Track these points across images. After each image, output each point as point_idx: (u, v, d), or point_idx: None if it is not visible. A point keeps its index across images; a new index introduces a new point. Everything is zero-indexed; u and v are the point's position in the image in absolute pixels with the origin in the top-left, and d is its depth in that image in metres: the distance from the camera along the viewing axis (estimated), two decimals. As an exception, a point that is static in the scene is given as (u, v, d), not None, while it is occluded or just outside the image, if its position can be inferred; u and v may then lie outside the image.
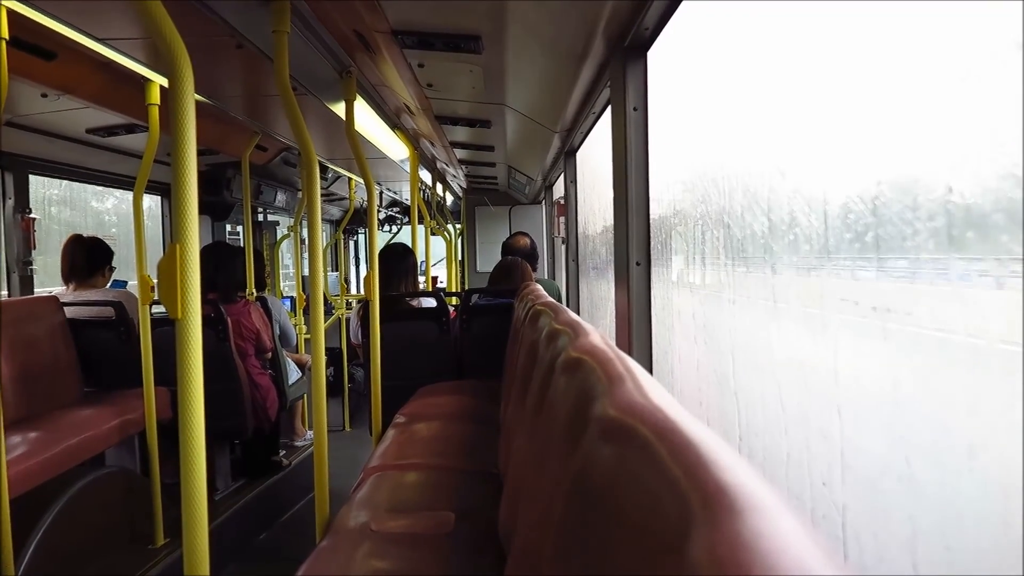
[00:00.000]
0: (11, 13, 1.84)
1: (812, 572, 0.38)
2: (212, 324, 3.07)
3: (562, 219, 4.26)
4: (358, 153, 2.47)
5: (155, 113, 2.55)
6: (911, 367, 0.82)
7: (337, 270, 6.74)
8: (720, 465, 0.50)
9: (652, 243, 1.80)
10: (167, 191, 4.37)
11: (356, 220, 7.89)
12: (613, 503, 0.63)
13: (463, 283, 6.78)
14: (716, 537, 0.42)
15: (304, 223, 5.06)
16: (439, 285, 8.35)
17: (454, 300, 4.05)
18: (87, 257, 3.32)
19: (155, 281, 1.88)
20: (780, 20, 1.15)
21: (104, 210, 4.84)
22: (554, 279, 5.50)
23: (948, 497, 0.75)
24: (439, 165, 5.43)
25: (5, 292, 3.27)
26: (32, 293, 3.32)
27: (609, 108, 2.03)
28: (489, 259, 6.11)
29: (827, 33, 1.00)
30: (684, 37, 1.63)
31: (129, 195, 3.46)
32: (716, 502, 0.45)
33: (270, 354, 3.56)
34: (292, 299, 5.22)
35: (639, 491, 0.58)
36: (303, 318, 4.54)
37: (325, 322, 2.49)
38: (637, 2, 1.56)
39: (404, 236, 9.28)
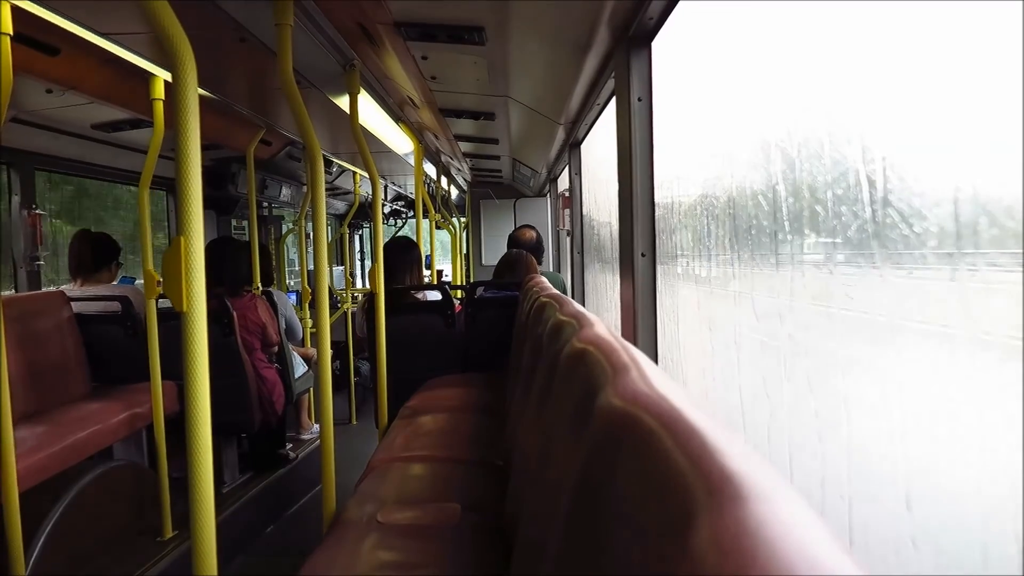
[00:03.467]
0: (15, 9, 1.84)
1: (816, 559, 0.37)
2: (218, 318, 3.08)
3: (567, 211, 4.25)
4: (362, 147, 2.47)
5: (159, 108, 2.56)
6: None
7: (343, 264, 6.76)
8: (724, 453, 0.49)
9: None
10: (172, 186, 4.38)
11: (361, 214, 7.90)
12: (618, 493, 0.63)
13: (468, 276, 6.78)
14: (720, 525, 0.42)
15: (309, 217, 5.07)
16: (444, 278, 8.36)
17: (459, 293, 4.05)
18: (93, 253, 3.33)
19: (160, 276, 1.89)
20: (783, 7, 1.14)
21: None
22: (559, 272, 5.50)
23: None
24: (443, 158, 5.42)
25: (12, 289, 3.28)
26: (39, 289, 3.33)
27: (613, 99, 2.03)
28: (494, 252, 6.11)
29: (831, 18, 0.99)
30: (688, 27, 1.62)
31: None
32: (720, 490, 0.45)
33: (276, 348, 3.57)
34: (298, 293, 5.24)
35: (644, 480, 0.58)
36: (309, 312, 4.55)
37: (331, 316, 2.49)
38: (641, -8, 1.56)
39: (410, 230, 9.28)
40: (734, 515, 0.42)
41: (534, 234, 4.35)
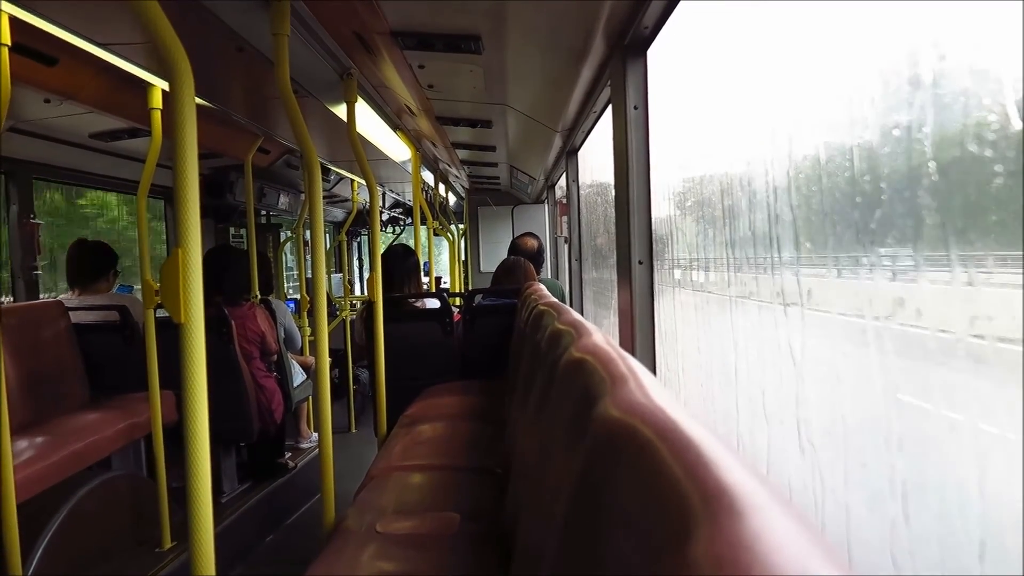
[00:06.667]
0: (12, 19, 1.85)
1: (813, 572, 0.37)
2: (216, 327, 3.08)
3: (564, 218, 4.26)
4: (360, 155, 2.47)
5: (157, 117, 2.56)
6: None
7: (341, 272, 6.76)
8: (721, 465, 0.50)
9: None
10: (170, 195, 4.38)
11: (359, 222, 7.90)
12: (616, 503, 0.63)
13: (466, 283, 6.78)
14: (717, 537, 0.42)
15: (307, 225, 5.07)
16: (443, 286, 8.36)
17: (457, 301, 4.05)
18: (91, 262, 3.33)
19: (158, 285, 1.89)
20: (779, 13, 1.15)
21: None
22: (557, 278, 5.50)
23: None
24: (441, 166, 5.43)
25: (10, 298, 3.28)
26: (37, 298, 3.33)
27: (610, 107, 2.03)
28: (493, 259, 6.12)
29: (826, 24, 1.00)
30: (684, 35, 1.63)
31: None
32: (717, 502, 0.45)
33: (275, 357, 3.57)
34: (296, 301, 5.24)
35: (641, 491, 0.58)
36: (307, 320, 4.55)
37: (329, 324, 2.50)
38: (636, 1, 1.56)
39: (408, 238, 9.28)
40: (731, 527, 0.42)
41: (535, 243, 4.35)
